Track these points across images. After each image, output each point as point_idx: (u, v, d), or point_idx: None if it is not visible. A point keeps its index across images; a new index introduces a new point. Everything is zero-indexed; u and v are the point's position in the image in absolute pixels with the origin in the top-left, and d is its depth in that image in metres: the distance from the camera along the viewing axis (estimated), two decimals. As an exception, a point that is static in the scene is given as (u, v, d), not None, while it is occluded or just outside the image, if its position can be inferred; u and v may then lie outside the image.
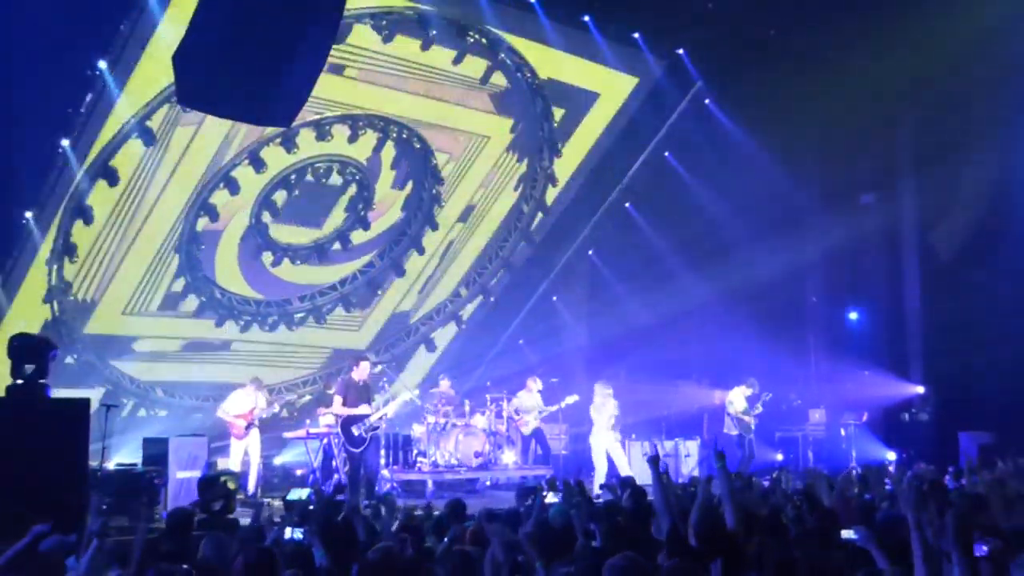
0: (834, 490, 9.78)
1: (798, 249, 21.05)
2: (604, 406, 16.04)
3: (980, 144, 18.37)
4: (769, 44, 17.31)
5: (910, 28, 16.34)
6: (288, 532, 6.83)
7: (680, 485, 11.77)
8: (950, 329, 19.01)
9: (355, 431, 13.90)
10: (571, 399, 16.97)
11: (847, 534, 6.31)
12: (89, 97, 13.73)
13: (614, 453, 15.92)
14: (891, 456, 18.60)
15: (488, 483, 16.51)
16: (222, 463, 14.92)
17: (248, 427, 14.87)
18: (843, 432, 19.27)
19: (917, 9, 16.20)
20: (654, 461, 7.04)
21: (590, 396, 16.32)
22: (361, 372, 14.37)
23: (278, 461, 17.15)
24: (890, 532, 5.88)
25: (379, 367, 16.29)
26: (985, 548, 5.21)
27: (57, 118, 13.69)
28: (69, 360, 15.72)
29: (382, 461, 15.25)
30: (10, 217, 14.05)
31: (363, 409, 14.00)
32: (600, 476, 15.71)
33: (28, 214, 14.25)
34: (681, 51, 18.24)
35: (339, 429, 14.03)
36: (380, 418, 14.20)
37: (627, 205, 20.74)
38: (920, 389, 19.81)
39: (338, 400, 14.14)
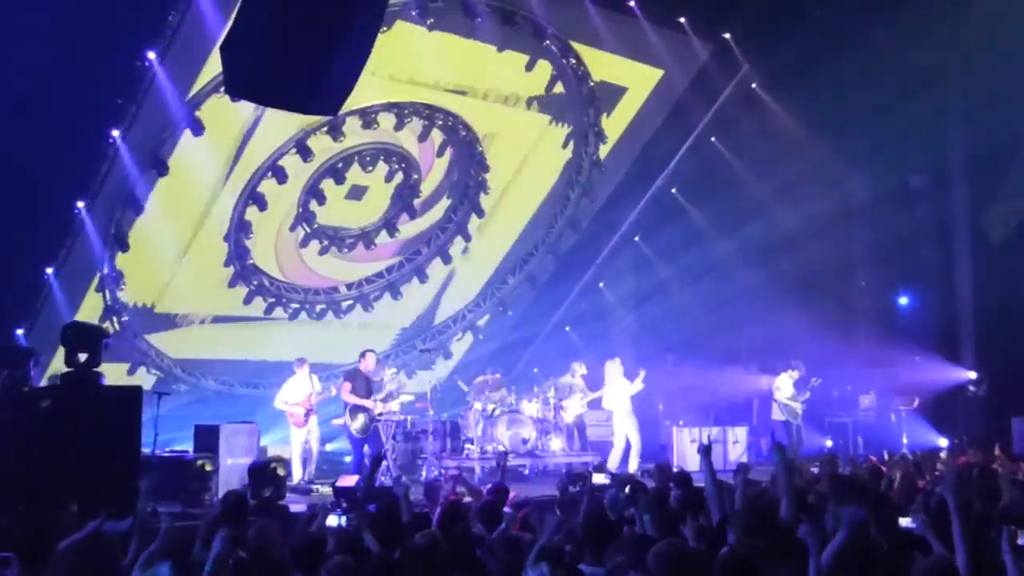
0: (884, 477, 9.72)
1: (847, 233, 20.88)
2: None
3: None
4: (816, 27, 17.10)
5: (962, 9, 16.11)
6: (332, 519, 6.86)
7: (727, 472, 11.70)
8: (1002, 313, 18.75)
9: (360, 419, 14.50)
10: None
11: (905, 522, 6.26)
12: (139, 88, 13.86)
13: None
14: (943, 442, 18.38)
15: (537, 469, 16.51)
16: (275, 450, 15.02)
17: (307, 414, 14.98)
18: (893, 418, 19.09)
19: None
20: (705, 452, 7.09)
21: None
22: (367, 363, 14.93)
23: (329, 448, 17.25)
24: (945, 518, 5.82)
25: (426, 352, 16.39)
26: None
27: (108, 109, 13.84)
28: (122, 348, 15.91)
29: (430, 447, 15.49)
30: (63, 208, 14.25)
31: (366, 402, 14.60)
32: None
33: (80, 204, 14.44)
34: (727, 35, 18.10)
35: (347, 415, 14.57)
36: (383, 413, 14.83)
37: (673, 190, 20.63)
38: (972, 374, 19.55)
39: (347, 386, 14.69)
